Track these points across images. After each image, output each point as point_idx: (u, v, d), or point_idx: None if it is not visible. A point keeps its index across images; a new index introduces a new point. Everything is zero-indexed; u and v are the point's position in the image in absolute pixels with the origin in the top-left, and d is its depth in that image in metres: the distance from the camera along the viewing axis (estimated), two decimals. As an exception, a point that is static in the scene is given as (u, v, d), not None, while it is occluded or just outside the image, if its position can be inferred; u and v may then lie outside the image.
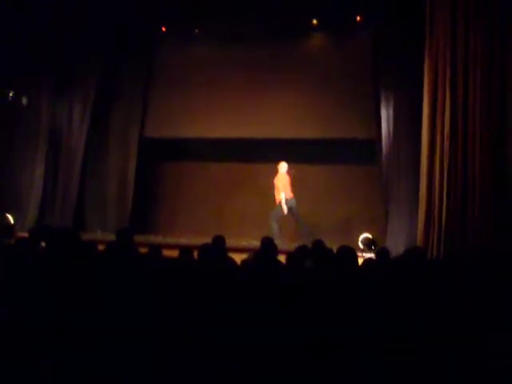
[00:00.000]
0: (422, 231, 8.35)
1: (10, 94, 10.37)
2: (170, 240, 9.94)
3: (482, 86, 7.99)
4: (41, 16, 10.27)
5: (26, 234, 7.70)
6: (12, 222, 9.77)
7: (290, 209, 9.79)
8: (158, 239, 10.13)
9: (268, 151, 11.27)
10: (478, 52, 8.02)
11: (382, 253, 5.16)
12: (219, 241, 5.40)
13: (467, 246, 7.82)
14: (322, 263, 4.73)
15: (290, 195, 9.82)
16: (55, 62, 10.79)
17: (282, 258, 5.09)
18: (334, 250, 4.89)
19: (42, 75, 10.69)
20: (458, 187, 8.05)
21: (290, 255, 4.96)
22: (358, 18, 10.45)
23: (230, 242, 6.16)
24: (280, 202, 9.79)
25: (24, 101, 10.50)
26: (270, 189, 10.41)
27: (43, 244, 5.42)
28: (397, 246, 8.82)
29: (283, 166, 9.99)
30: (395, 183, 9.70)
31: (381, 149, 9.92)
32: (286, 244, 8.12)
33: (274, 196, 10.01)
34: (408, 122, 9.46)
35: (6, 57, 9.93)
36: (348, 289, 3.70)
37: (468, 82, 8.07)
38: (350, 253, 4.63)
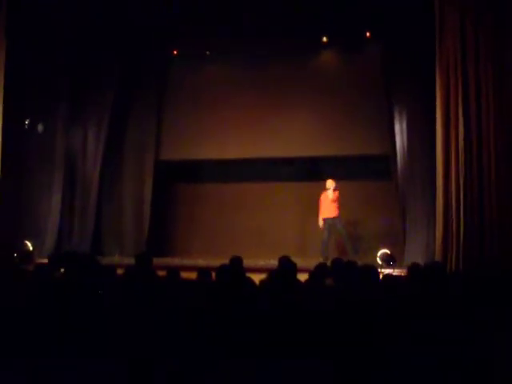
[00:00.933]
0: (440, 246, 8.29)
1: (26, 122, 10.47)
2: (188, 262, 9.91)
3: (495, 98, 7.95)
4: (54, 42, 10.38)
5: (44, 260, 7.73)
6: (31, 248, 9.80)
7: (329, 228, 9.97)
8: (175, 261, 10.11)
9: (283, 170, 11.31)
10: (488, 64, 8.01)
11: (413, 269, 5.06)
12: (237, 261, 5.39)
13: (486, 260, 7.74)
14: (343, 281, 4.69)
15: (325, 215, 9.97)
16: (69, 88, 10.88)
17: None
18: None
19: (56, 102, 10.77)
20: (475, 201, 7.99)
21: (311, 274, 4.94)
22: (368, 34, 10.49)
23: (248, 263, 6.15)
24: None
25: (40, 128, 10.60)
26: (287, 208, 10.46)
27: (62, 270, 5.44)
28: (415, 260, 8.73)
29: (327, 184, 10.10)
30: (411, 197, 9.64)
31: (396, 164, 9.89)
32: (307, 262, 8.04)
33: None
34: (422, 135, 9.42)
35: (20, 85, 10.03)
36: (370, 305, 3.66)
37: (480, 94, 8.04)
38: (372, 271, 4.61)
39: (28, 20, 9.94)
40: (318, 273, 4.94)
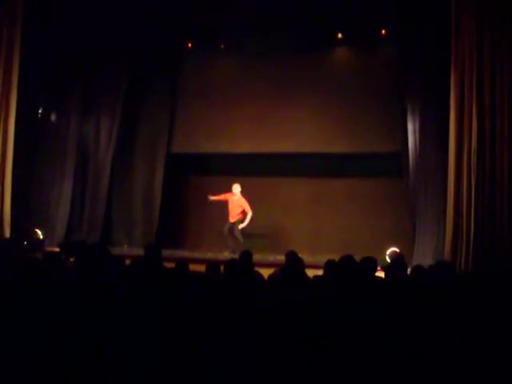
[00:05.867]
0: (449, 245, 8.27)
1: (39, 111, 10.52)
2: (197, 255, 9.93)
3: (510, 100, 7.91)
4: (69, 34, 10.42)
5: (54, 249, 7.78)
6: (41, 236, 9.86)
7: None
8: (184, 254, 10.13)
9: (293, 165, 11.30)
10: (505, 66, 7.96)
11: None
12: (246, 256, 5.39)
13: (496, 260, 7.72)
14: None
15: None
16: (83, 79, 10.92)
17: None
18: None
19: (70, 92, 10.82)
20: (486, 200, 7.96)
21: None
22: (383, 32, 10.45)
23: (257, 257, 6.15)
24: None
25: (53, 117, 10.64)
26: (296, 203, 10.45)
27: (71, 259, 5.46)
28: (424, 259, 8.74)
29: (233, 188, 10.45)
30: (422, 196, 9.62)
31: (407, 162, 9.85)
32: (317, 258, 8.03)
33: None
34: (434, 135, 9.39)
35: (35, 74, 10.08)
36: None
37: (495, 95, 8.00)
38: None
39: (44, 12, 9.99)
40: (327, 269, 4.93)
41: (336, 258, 5.26)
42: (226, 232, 10.26)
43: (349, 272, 4.68)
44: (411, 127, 9.79)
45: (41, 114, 10.60)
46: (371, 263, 4.75)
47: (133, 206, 11.61)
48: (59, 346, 3.28)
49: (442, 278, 4.46)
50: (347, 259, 4.83)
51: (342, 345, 3.20)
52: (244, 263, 5.04)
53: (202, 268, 5.37)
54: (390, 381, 3.03)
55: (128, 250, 10.62)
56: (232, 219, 10.26)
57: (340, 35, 10.81)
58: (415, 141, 9.73)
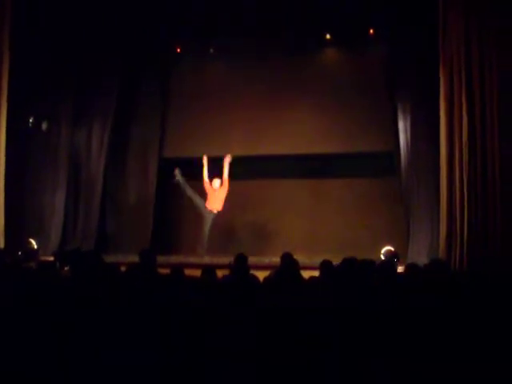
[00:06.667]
0: (443, 243, 8.29)
1: (30, 120, 10.47)
2: (192, 260, 9.90)
3: (499, 95, 7.94)
4: (59, 42, 10.39)
5: (49, 258, 7.75)
6: (35, 246, 9.81)
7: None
8: (179, 259, 10.08)
9: (287, 167, 11.29)
10: (493, 62, 8.00)
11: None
12: (241, 259, 5.39)
13: (490, 258, 7.74)
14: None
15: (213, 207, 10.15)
16: (73, 87, 10.88)
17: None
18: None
19: (60, 100, 10.77)
20: (479, 198, 7.99)
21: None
22: (371, 31, 10.47)
23: (253, 260, 6.15)
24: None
25: (44, 126, 10.60)
26: (291, 205, 10.45)
27: (66, 268, 5.45)
28: (419, 257, 8.76)
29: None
30: (415, 194, 9.64)
31: (399, 161, 9.88)
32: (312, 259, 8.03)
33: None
34: (426, 133, 9.41)
35: (25, 83, 10.04)
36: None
37: (484, 91, 8.03)
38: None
39: (32, 18, 9.95)
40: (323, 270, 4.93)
41: (332, 258, 5.27)
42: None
43: (349, 274, 4.68)
44: (402, 126, 9.82)
45: (32, 122, 10.54)
46: (370, 266, 4.76)
47: (126, 213, 11.57)
48: (58, 351, 3.27)
49: (436, 277, 4.47)
50: (349, 262, 4.83)
51: (340, 345, 3.21)
52: (240, 266, 5.05)
53: (197, 273, 5.36)
54: (387, 380, 3.03)
55: (122, 256, 10.57)
56: (219, 207, 10.16)
57: (328, 36, 10.82)
58: (407, 139, 9.76)
